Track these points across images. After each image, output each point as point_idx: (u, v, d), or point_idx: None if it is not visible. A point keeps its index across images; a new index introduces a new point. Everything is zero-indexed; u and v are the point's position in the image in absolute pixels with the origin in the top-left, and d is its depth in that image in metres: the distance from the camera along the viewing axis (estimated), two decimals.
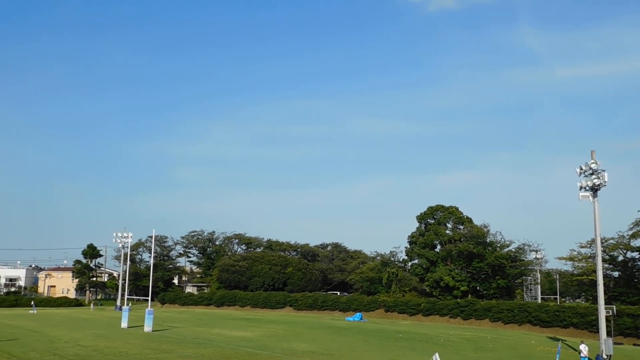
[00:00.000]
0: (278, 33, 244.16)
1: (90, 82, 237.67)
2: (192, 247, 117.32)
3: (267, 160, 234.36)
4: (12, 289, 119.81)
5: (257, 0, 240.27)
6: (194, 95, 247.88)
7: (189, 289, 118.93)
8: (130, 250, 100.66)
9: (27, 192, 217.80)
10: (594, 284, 52.22)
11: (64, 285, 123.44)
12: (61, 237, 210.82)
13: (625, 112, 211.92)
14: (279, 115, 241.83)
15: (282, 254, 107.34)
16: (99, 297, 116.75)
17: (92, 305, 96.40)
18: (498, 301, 68.45)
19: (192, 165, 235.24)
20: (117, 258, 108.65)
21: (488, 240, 74.64)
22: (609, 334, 38.81)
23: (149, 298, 60.06)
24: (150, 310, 51.93)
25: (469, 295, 74.57)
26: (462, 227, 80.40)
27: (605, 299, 40.01)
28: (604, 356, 35.21)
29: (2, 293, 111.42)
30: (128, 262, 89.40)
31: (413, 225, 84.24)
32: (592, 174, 37.73)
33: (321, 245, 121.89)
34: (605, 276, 54.44)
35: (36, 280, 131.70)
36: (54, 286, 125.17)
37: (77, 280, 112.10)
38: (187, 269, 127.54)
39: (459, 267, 75.55)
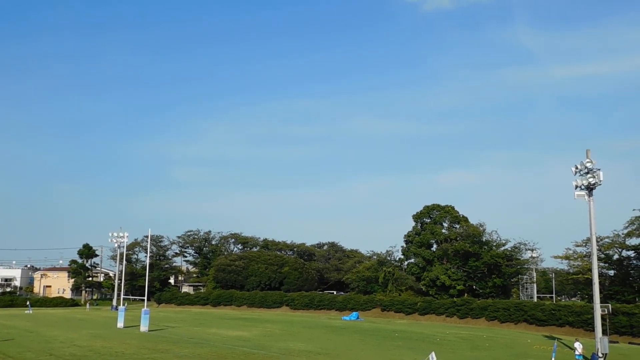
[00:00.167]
0: (277, 33, 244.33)
1: (90, 82, 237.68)
2: (188, 247, 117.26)
3: (266, 160, 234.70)
4: (8, 289, 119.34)
5: (257, 0, 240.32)
6: (193, 95, 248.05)
7: (185, 289, 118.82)
8: (127, 250, 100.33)
9: (26, 192, 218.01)
10: (589, 282, 52.47)
11: (60, 285, 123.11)
12: (57, 237, 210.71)
13: (623, 111, 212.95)
14: (278, 115, 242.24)
15: (278, 253, 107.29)
16: (94, 297, 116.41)
17: (88, 305, 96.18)
18: (494, 300, 68.63)
19: (191, 165, 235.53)
20: (113, 258, 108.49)
21: (484, 239, 74.80)
22: (604, 332, 38.91)
23: (145, 298, 60.06)
24: (147, 310, 51.83)
25: (465, 294, 74.71)
26: (458, 226, 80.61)
27: (600, 298, 40.12)
28: (600, 355, 35.33)
29: None
30: (124, 262, 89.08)
31: (410, 225, 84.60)
32: (587, 172, 37.79)
33: (317, 244, 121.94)
34: (600, 275, 54.69)
35: (32, 280, 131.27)
36: (50, 286, 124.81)
37: (73, 280, 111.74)
38: (184, 268, 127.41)
39: (455, 266, 75.71)
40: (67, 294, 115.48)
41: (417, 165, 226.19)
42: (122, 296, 76.03)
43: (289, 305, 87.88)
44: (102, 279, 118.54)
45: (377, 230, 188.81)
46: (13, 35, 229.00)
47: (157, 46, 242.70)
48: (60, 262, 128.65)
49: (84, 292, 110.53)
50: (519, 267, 75.72)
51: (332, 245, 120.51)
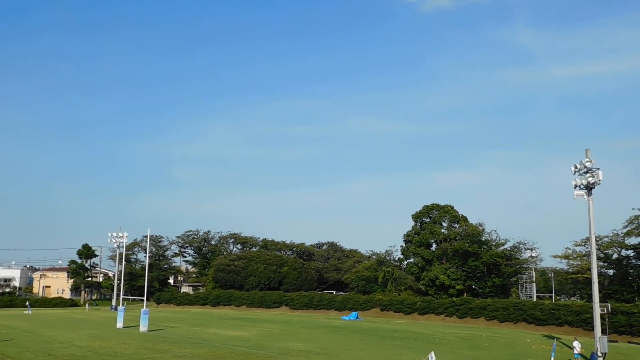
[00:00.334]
0: (277, 33, 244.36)
1: (90, 82, 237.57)
2: (187, 247, 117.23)
3: (266, 160, 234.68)
4: (7, 290, 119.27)
5: (257, 0, 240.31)
6: (193, 95, 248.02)
7: (185, 289, 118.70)
8: (126, 250, 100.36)
9: (26, 192, 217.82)
10: (588, 282, 52.48)
11: (59, 285, 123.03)
12: (57, 237, 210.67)
13: (623, 111, 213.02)
14: (278, 115, 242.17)
15: (277, 253, 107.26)
16: (94, 298, 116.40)
17: (87, 305, 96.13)
18: (493, 300, 68.63)
19: (191, 165, 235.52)
20: (113, 258, 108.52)
21: (483, 239, 74.82)
22: (603, 331, 38.90)
23: (145, 298, 60.03)
24: (146, 310, 51.81)
25: (465, 294, 74.72)
26: (457, 225, 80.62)
27: (600, 297, 40.13)
28: (599, 354, 35.33)
29: None
30: (123, 262, 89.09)
31: (409, 225, 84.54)
32: (586, 172, 37.80)
33: (317, 244, 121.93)
34: (600, 274, 54.64)
35: (31, 280, 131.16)
36: (49, 286, 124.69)
37: (72, 280, 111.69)
38: (183, 268, 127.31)
39: (454, 265, 75.71)
40: (67, 294, 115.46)
41: (417, 165, 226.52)
42: (121, 296, 76.01)
43: (288, 305, 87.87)
44: (101, 279, 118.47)
45: (377, 230, 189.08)
46: (13, 35, 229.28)
47: (157, 46, 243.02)
48: (60, 262, 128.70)
49: (83, 292, 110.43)
50: (518, 266, 75.71)
51: (332, 245, 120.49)
